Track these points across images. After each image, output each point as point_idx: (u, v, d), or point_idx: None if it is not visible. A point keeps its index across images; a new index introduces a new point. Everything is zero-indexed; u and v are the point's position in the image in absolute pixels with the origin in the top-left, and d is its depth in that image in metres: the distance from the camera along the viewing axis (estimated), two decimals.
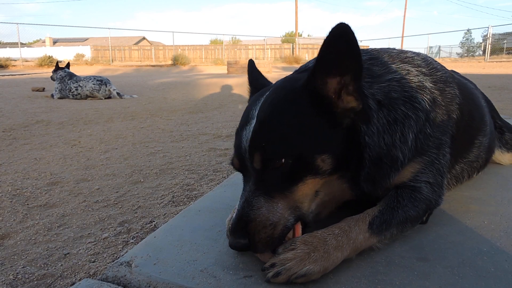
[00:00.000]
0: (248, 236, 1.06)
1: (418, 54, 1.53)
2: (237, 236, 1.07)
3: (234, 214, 1.12)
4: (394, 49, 1.53)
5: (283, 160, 1.07)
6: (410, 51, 1.54)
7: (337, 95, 1.12)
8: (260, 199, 1.09)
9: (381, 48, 1.51)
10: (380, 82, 1.29)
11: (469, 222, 1.39)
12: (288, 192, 1.10)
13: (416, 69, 1.41)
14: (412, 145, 1.29)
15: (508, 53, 30.02)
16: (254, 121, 1.14)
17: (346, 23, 0.99)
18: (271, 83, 1.47)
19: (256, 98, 1.25)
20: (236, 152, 1.18)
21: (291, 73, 1.49)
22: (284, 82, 1.30)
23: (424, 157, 1.33)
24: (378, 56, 1.40)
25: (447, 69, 1.61)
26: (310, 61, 1.49)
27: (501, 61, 22.40)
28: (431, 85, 1.40)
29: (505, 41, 32.66)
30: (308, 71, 1.21)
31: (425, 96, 1.35)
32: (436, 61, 1.57)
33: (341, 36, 1.02)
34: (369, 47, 1.63)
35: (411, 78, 1.36)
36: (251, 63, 1.65)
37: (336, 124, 1.13)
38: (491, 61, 22.87)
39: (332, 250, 1.08)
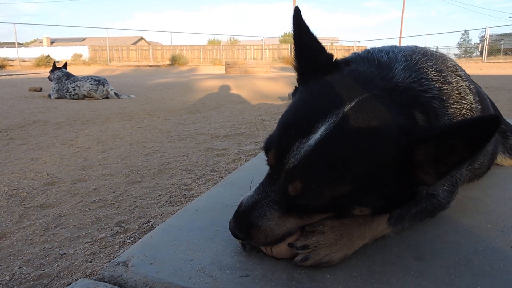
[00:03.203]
0: (248, 235, 1.07)
1: (450, 58, 1.45)
2: (237, 226, 1.07)
3: (243, 205, 1.09)
4: (431, 50, 1.41)
5: (320, 203, 0.99)
6: (445, 55, 1.45)
7: (423, 168, 0.96)
8: (274, 213, 1.04)
9: (426, 52, 1.35)
10: (446, 107, 1.19)
11: (465, 221, 1.39)
12: (306, 217, 1.06)
13: (465, 84, 1.32)
14: None
15: (505, 54, 30.12)
16: (313, 140, 0.95)
17: (499, 120, 0.85)
18: (330, 57, 1.18)
19: (326, 103, 1.01)
20: (277, 152, 1.02)
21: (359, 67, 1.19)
22: (374, 114, 0.99)
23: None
24: (441, 69, 1.26)
25: (470, 76, 1.53)
26: (395, 62, 1.21)
27: (498, 62, 22.48)
28: (473, 104, 1.31)
29: (502, 42, 32.78)
30: (406, 103, 1.06)
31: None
32: (461, 67, 1.47)
33: (484, 130, 0.86)
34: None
35: (467, 97, 1.28)
36: (297, 14, 1.16)
37: (398, 189, 1.01)
38: (488, 62, 22.94)
39: (355, 239, 1.11)
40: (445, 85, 1.23)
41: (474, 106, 1.32)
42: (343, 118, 0.96)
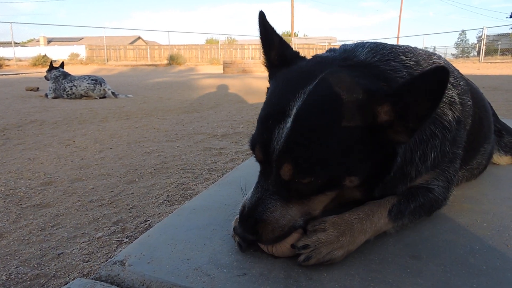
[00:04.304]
0: (256, 233, 1.08)
1: (439, 57, 1.48)
2: (245, 230, 1.09)
3: (246, 207, 1.11)
4: (418, 49, 1.45)
5: (313, 179, 1.03)
6: (434, 54, 1.48)
7: (392, 127, 1.02)
8: (276, 203, 1.07)
9: (409, 47, 1.40)
10: None
11: (462, 220, 1.40)
12: (305, 200, 1.09)
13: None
14: (430, 164, 1.28)
15: (502, 54, 30.26)
16: (290, 121, 1.01)
17: (447, 68, 0.89)
18: (296, 53, 1.28)
19: (294, 86, 1.07)
20: (262, 146, 1.06)
21: (333, 53, 1.29)
22: (336, 84, 1.05)
23: (437, 169, 1.34)
24: (419, 61, 1.30)
25: (461, 74, 1.56)
26: (361, 47, 1.27)
27: (495, 62, 22.57)
28: (457, 99, 1.35)
29: (499, 42, 32.92)
30: (368, 75, 1.11)
31: (454, 113, 1.30)
32: (451, 64, 1.51)
33: (436, 80, 0.91)
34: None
35: (447, 92, 1.30)
36: (261, 17, 1.26)
37: (376, 150, 1.07)
38: (486, 62, 23.03)
39: (357, 234, 1.13)
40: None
41: (457, 101, 1.33)
42: (310, 93, 1.04)
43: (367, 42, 1.34)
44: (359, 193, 1.21)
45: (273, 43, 1.25)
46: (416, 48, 1.44)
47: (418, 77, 0.94)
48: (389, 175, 1.18)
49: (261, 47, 1.28)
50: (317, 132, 1.01)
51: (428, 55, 1.41)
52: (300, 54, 1.30)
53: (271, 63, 1.27)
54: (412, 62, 1.27)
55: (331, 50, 1.36)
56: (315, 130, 1.01)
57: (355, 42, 1.44)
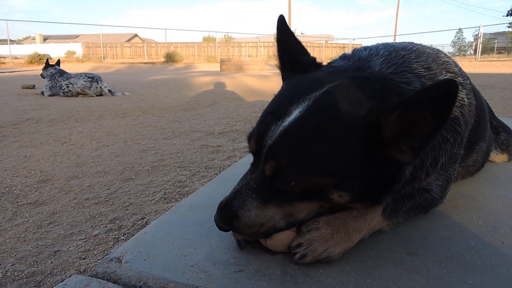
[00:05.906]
0: (231, 225, 1.08)
1: (446, 55, 1.45)
2: (220, 218, 1.09)
3: (227, 194, 1.11)
4: (427, 48, 1.42)
5: (293, 183, 1.00)
6: (441, 52, 1.45)
7: (396, 145, 0.97)
8: (253, 202, 1.06)
9: (420, 50, 1.36)
10: None
11: (457, 217, 1.41)
12: (287, 204, 1.06)
13: (458, 80, 1.32)
14: (440, 166, 1.27)
15: (499, 53, 30.40)
16: (288, 121, 1.01)
17: (456, 82, 0.83)
18: (313, 59, 1.27)
19: (301, 91, 1.08)
20: (256, 138, 1.08)
21: (345, 61, 1.27)
22: (342, 97, 1.04)
23: (441, 171, 1.33)
24: (430, 65, 1.27)
25: (464, 71, 1.53)
26: (375, 55, 1.24)
27: (491, 60, 22.69)
28: (466, 100, 1.32)
29: (496, 40, 33.09)
30: (380, 89, 1.08)
31: (464, 115, 1.29)
32: (456, 62, 1.48)
33: (443, 95, 0.85)
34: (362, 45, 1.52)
35: (458, 94, 1.27)
36: (280, 21, 1.26)
37: (374, 169, 1.02)
38: (482, 60, 23.15)
39: (351, 232, 1.12)
40: (431, 82, 1.23)
41: (466, 102, 1.33)
42: (315, 101, 1.03)
43: (381, 49, 1.30)
44: (359, 204, 1.16)
45: (288, 48, 1.27)
46: (424, 47, 1.40)
47: (424, 90, 0.90)
48: (391, 191, 1.15)
49: (276, 51, 1.28)
50: (309, 138, 0.99)
51: (435, 53, 1.39)
52: (317, 60, 1.29)
53: (284, 67, 1.29)
54: (424, 69, 1.24)
55: (344, 58, 1.32)
56: (307, 136, 0.99)
57: (367, 46, 1.39)
